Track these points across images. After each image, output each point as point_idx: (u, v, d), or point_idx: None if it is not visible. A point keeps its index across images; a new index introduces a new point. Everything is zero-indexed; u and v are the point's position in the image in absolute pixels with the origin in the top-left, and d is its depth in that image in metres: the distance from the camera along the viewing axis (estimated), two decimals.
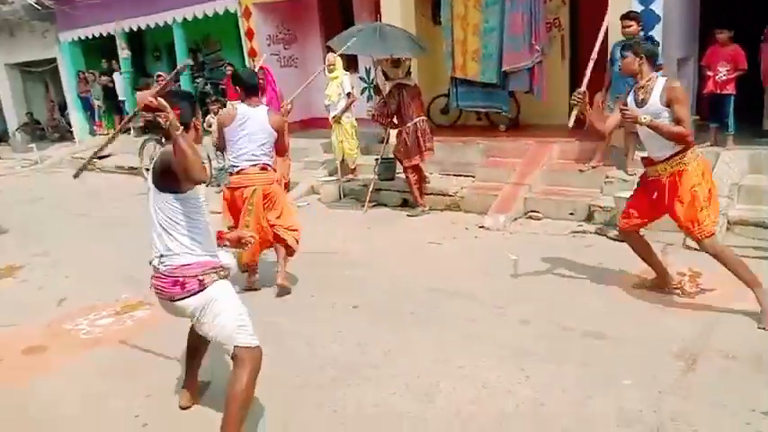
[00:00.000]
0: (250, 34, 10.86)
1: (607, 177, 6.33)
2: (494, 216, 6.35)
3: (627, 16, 5.99)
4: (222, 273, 2.86)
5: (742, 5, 6.61)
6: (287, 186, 8.53)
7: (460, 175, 7.65)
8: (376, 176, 7.58)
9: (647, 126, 3.76)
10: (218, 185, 9.35)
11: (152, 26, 12.31)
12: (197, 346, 3.26)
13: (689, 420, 2.82)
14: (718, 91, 6.30)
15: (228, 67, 11.31)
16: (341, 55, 8.09)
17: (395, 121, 6.94)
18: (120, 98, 14.00)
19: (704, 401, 2.96)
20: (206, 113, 10.36)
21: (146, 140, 10.61)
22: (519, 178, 6.85)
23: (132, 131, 13.31)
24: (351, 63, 11.02)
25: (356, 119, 8.25)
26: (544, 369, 3.38)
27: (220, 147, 4.96)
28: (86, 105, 14.97)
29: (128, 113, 13.44)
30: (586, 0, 7.80)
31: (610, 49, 6.26)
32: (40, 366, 3.98)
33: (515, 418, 2.98)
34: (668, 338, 3.59)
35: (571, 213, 6.23)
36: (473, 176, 7.46)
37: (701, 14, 7.34)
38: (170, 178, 2.68)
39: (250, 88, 4.70)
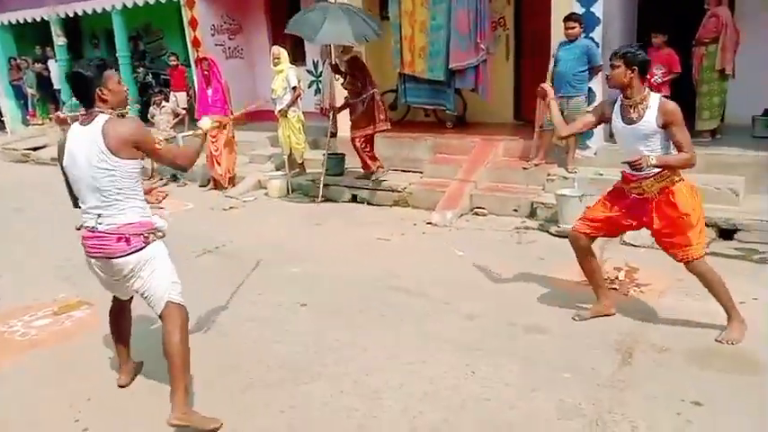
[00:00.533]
0: (194, 24, 10.59)
1: (549, 175, 6.52)
2: (441, 212, 6.44)
3: (570, 18, 6.17)
4: (159, 234, 3.08)
5: (676, 10, 6.90)
6: (232, 181, 8.43)
7: (408, 171, 7.72)
8: (324, 171, 7.56)
9: (656, 167, 3.43)
10: (161, 179, 9.13)
11: (89, 12, 11.82)
12: (121, 326, 3.45)
13: (625, 412, 2.96)
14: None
15: (172, 57, 11.01)
16: (286, 47, 8.03)
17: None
18: (55, 87, 13.40)
19: (639, 393, 3.11)
20: (147, 105, 10.07)
21: None
22: (465, 175, 6.97)
23: (70, 121, 12.77)
24: (298, 56, 10.93)
25: (303, 112, 8.19)
26: (489, 364, 3.46)
27: None
28: (19, 94, 14.26)
29: (63, 103, 12.92)
30: (530, 1, 7.98)
31: (553, 50, 6.43)
32: None
33: (461, 413, 3.04)
34: (606, 332, 3.75)
35: (515, 210, 6.39)
36: (421, 173, 7.54)
37: (638, 18, 7.63)
38: (142, 151, 2.96)
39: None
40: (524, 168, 6.82)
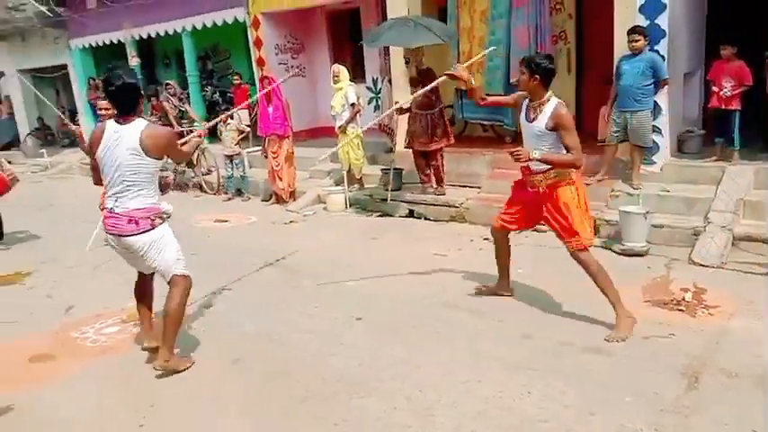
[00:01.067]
0: (258, 43, 10.96)
1: (612, 191, 6.34)
2: None
3: (633, 30, 6.03)
4: (165, 216, 3.70)
5: (748, 21, 6.62)
6: (293, 195, 8.62)
7: (466, 186, 7.68)
8: (391, 176, 7.65)
9: (538, 161, 3.83)
10: (226, 192, 9.44)
11: (162, 34, 12.44)
12: (144, 294, 4.10)
13: None
14: (723, 106, 6.31)
15: (236, 77, 11.42)
16: (346, 65, 8.21)
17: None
18: None
19: (706, 419, 2.97)
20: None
21: None
22: None
23: None
24: (358, 73, 11.13)
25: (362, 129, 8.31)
26: (546, 384, 3.39)
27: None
28: (96, 111, 15.08)
29: None
30: (592, 14, 7.84)
31: (615, 63, 6.29)
32: (48, 374, 4.02)
33: None
34: (671, 355, 3.60)
35: None
36: (479, 188, 7.49)
37: (708, 30, 7.36)
38: (166, 153, 3.70)
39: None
40: (587, 184, 6.64)
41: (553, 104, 3.87)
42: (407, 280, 5.26)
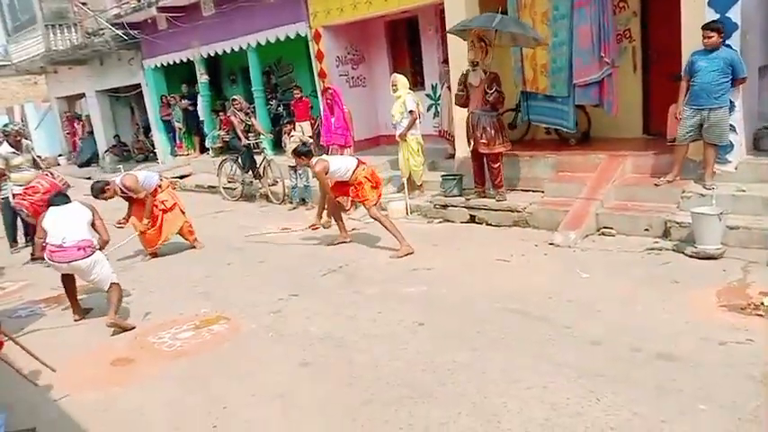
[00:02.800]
0: (320, 56, 11.20)
1: (684, 192, 6.09)
2: (564, 233, 6.24)
3: (708, 26, 5.79)
4: (98, 247, 5.16)
5: None
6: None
7: (529, 191, 7.57)
8: (443, 192, 7.65)
9: None
10: (291, 202, 9.68)
11: (228, 51, 12.91)
12: (72, 287, 5.45)
13: None
14: None
15: (296, 90, 11.70)
16: (406, 74, 8.28)
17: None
18: (200, 118, 14.67)
19: None
20: (280, 134, 10.78)
21: (223, 161, 11.12)
22: (590, 193, 6.70)
23: (211, 152, 13.96)
24: (417, 81, 11.19)
25: (423, 135, 8.36)
26: (615, 391, 3.30)
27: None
28: (169, 128, 15.83)
29: (206, 134, 14.16)
30: (658, 11, 7.59)
31: (686, 59, 6.06)
32: (127, 377, 4.26)
33: None
34: (749, 362, 3.43)
35: (646, 229, 6.03)
36: (542, 192, 7.36)
37: None
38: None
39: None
40: (656, 185, 6.42)
41: None
42: (470, 285, 5.24)
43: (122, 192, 6.99)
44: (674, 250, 5.53)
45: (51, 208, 5.34)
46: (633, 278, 5.00)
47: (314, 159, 6.63)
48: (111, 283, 5.16)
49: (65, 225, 5.11)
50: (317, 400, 3.61)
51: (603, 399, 3.25)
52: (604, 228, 6.34)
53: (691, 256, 5.28)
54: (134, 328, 5.08)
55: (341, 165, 6.56)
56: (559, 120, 7.67)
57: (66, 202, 5.38)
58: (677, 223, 5.78)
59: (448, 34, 8.10)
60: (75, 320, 5.48)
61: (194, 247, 7.61)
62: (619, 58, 7.52)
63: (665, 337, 3.86)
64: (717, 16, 5.91)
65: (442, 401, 3.42)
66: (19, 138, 7.91)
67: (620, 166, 6.96)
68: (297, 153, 6.79)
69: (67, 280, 5.41)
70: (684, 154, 6.25)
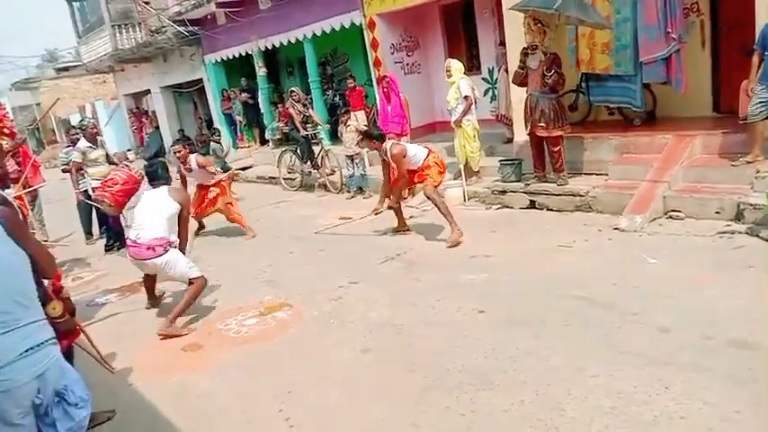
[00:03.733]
0: (375, 45, 11.21)
1: (758, 172, 5.78)
2: (629, 216, 6.05)
3: None
4: (173, 245, 5.02)
5: None
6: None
7: (592, 174, 7.37)
8: (501, 178, 7.55)
9: None
10: (349, 191, 9.78)
11: (285, 43, 13.11)
12: (149, 277, 5.50)
13: None
14: None
15: (350, 80, 11.76)
16: (462, 59, 8.16)
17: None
18: (261, 111, 14.98)
19: None
20: (337, 123, 10.89)
21: (283, 152, 11.34)
22: (657, 175, 6.45)
23: (270, 143, 14.25)
24: (473, 65, 11.03)
25: (479, 120, 8.25)
26: (685, 380, 3.19)
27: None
28: (230, 121, 16.25)
29: (266, 126, 14.44)
30: None
31: (759, 31, 5.73)
32: (197, 362, 4.44)
33: (653, 429, 2.85)
34: None
35: (717, 212, 5.77)
36: (606, 175, 7.15)
37: None
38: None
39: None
40: (733, 166, 6.10)
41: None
42: (531, 272, 5.16)
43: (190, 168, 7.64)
44: (747, 233, 5.27)
45: (145, 192, 5.27)
46: (703, 263, 4.80)
47: (388, 143, 6.55)
48: (190, 279, 5.03)
49: (144, 218, 5.03)
50: (378, 385, 3.67)
51: (673, 387, 3.15)
52: (672, 211, 6.10)
53: (766, 240, 5.02)
54: (186, 334, 4.89)
55: (416, 151, 6.50)
56: (627, 98, 7.41)
57: (163, 184, 5.19)
58: (751, 205, 5.50)
59: (505, 16, 7.96)
60: (147, 308, 5.65)
61: (245, 234, 7.92)
62: (686, 33, 7.18)
63: (739, 325, 3.70)
64: None
65: (504, 389, 3.40)
66: (96, 132, 8.31)
67: (688, 147, 6.67)
68: (369, 136, 6.67)
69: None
70: (762, 132, 5.92)
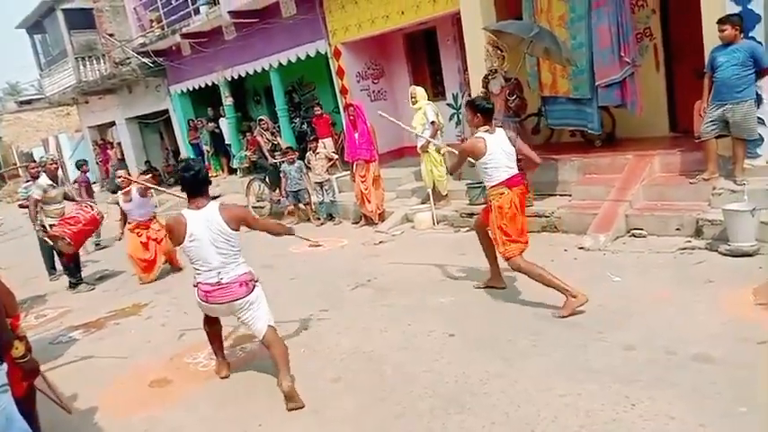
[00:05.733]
0: (341, 73, 11.33)
1: (714, 189, 5.98)
2: (593, 236, 6.18)
3: (722, 21, 5.72)
4: (257, 279, 4.11)
5: None
6: (381, 216, 8.77)
7: (555, 195, 7.51)
8: (469, 201, 7.64)
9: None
10: (318, 218, 9.76)
11: (251, 73, 13.15)
12: (217, 333, 4.54)
13: None
14: None
15: (316, 108, 11.84)
16: (425, 86, 8.31)
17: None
18: (226, 141, 14.97)
19: None
20: (305, 151, 10.92)
21: (251, 180, 11.30)
22: (618, 195, 6.62)
23: (239, 172, 14.20)
24: (438, 91, 11.22)
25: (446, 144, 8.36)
26: (650, 396, 3.25)
27: None
28: (197, 151, 16.15)
29: (233, 156, 14.40)
30: (678, 6, 7.50)
31: (708, 55, 5.98)
32: (165, 398, 4.34)
33: None
34: None
35: (678, 229, 5.93)
36: (569, 195, 7.30)
37: None
38: (244, 225, 4.06)
39: None
40: (691, 183, 6.28)
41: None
42: (499, 293, 5.21)
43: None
44: (707, 249, 5.43)
45: (189, 214, 3.87)
46: (666, 279, 4.92)
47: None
48: (268, 326, 4.02)
49: (209, 252, 3.86)
50: (349, 415, 3.64)
51: (639, 404, 3.20)
52: (635, 229, 6.25)
53: (725, 255, 5.18)
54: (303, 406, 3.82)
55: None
56: (584, 122, 7.61)
57: (205, 203, 3.91)
58: (709, 221, 5.67)
59: (466, 43, 8.14)
60: (222, 377, 4.46)
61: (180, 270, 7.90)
62: (640, 56, 7.45)
63: (701, 339, 3.78)
64: (738, 9, 5.83)
65: (475, 412, 3.40)
66: (55, 167, 8.17)
67: (647, 166, 6.87)
68: (476, 107, 4.77)
69: (212, 320, 4.40)
70: (715, 150, 6.14)
